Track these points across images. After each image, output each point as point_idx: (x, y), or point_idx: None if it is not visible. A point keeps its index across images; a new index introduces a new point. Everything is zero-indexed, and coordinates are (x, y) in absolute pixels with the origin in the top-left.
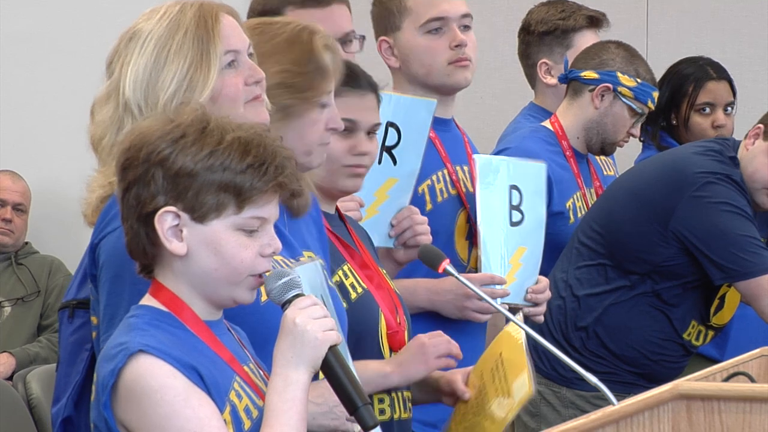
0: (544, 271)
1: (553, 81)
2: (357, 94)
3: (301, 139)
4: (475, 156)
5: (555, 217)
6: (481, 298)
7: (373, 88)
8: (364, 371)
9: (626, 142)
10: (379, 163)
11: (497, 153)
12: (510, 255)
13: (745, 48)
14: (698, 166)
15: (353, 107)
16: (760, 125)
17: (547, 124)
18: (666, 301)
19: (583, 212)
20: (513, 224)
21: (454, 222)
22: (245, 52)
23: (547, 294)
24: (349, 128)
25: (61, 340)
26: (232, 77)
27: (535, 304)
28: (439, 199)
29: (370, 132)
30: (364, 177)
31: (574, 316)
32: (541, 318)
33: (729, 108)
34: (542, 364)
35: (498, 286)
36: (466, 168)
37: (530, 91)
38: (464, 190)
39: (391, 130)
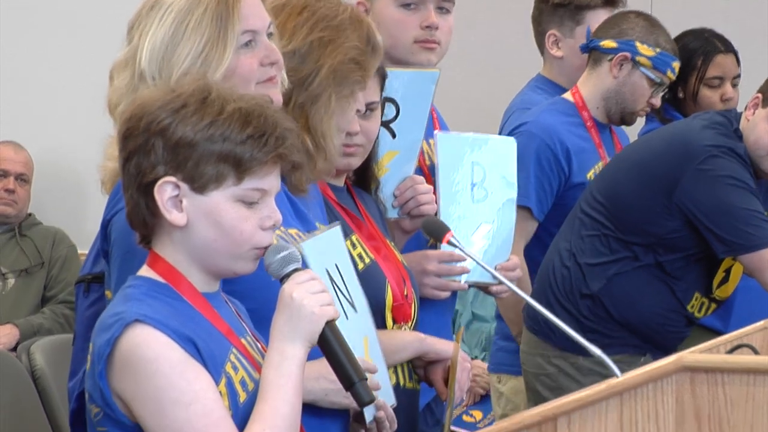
0: None
1: (560, 53)
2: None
3: (344, 117)
4: (436, 132)
5: (576, 188)
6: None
7: (380, 70)
8: (402, 337)
9: (646, 111)
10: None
11: (514, 129)
12: (472, 232)
13: (749, 19)
14: (704, 139)
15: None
16: (759, 94)
17: (567, 95)
18: (669, 273)
19: None
20: (476, 201)
21: None
22: (264, 32)
23: (518, 272)
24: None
25: (77, 314)
26: (247, 57)
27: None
28: None
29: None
30: (358, 156)
31: (579, 284)
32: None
33: (736, 81)
34: (554, 336)
35: (458, 264)
36: (432, 141)
37: (537, 66)
38: (428, 163)
39: (387, 104)
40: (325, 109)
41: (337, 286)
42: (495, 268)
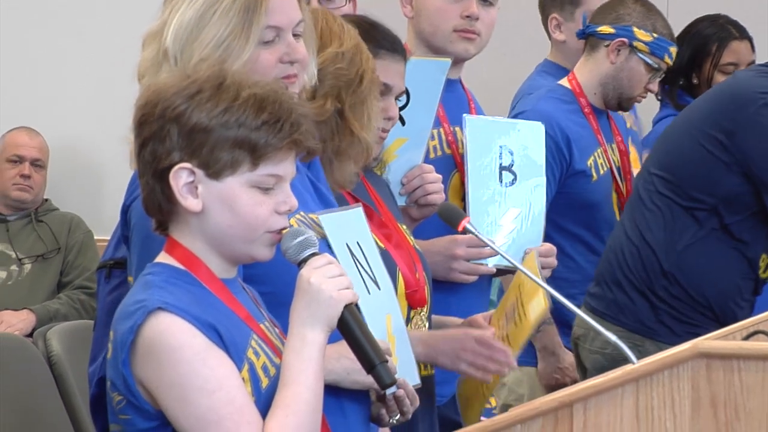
0: (570, 231)
1: (562, 36)
2: (395, 60)
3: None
4: (465, 116)
5: (577, 175)
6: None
7: (405, 56)
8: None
9: (644, 97)
10: None
11: (513, 117)
12: (501, 216)
13: (764, 5)
14: (756, 86)
15: (391, 72)
16: None
17: (564, 82)
18: (737, 237)
19: (606, 169)
20: (504, 185)
21: (447, 182)
22: (290, 30)
23: (552, 261)
24: (383, 92)
25: (99, 300)
26: (268, 53)
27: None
28: (432, 155)
29: (397, 98)
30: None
31: (650, 261)
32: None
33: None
34: (624, 315)
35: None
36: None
37: (549, 50)
38: (460, 151)
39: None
40: (372, 109)
41: (359, 263)
42: (525, 252)
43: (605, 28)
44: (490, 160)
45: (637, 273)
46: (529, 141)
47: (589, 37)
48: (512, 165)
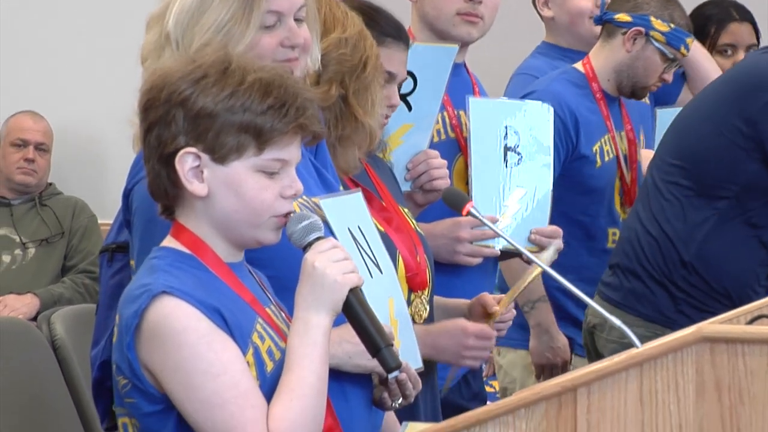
0: (574, 218)
1: (550, 13)
2: (399, 48)
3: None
4: (468, 97)
5: (581, 160)
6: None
7: (408, 43)
8: None
9: (658, 87)
10: None
11: (522, 96)
12: (506, 197)
13: None
14: None
15: (395, 60)
16: None
17: (578, 65)
18: (757, 225)
19: (611, 156)
20: (509, 166)
21: (451, 166)
22: (291, 14)
23: (558, 242)
24: (386, 80)
25: (101, 284)
26: (268, 37)
27: (541, 248)
28: (436, 139)
29: (399, 85)
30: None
31: (669, 251)
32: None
33: (751, 50)
34: (641, 306)
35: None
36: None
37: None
38: (464, 135)
39: (407, 78)
40: (375, 96)
41: (361, 247)
42: (531, 233)
43: (622, 16)
44: (494, 141)
45: (656, 264)
46: (535, 121)
47: (605, 24)
48: (518, 145)
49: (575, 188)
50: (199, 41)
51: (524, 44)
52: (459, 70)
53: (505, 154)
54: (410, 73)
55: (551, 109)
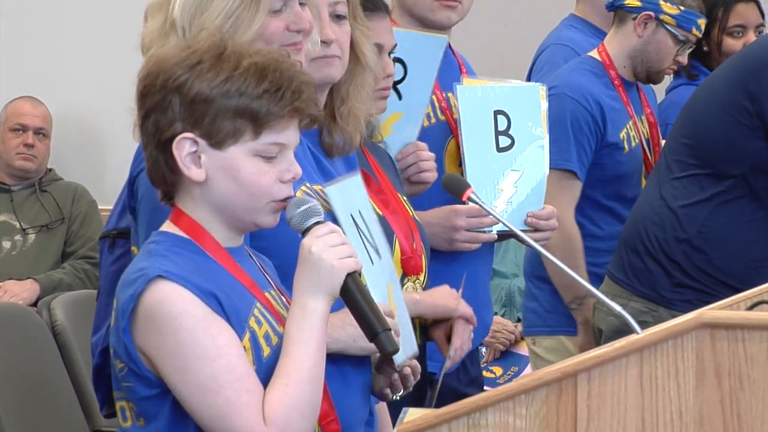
0: (600, 203)
1: None
2: (379, 17)
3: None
4: (456, 85)
5: (610, 148)
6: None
7: (387, 10)
8: None
9: (673, 70)
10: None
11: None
12: (500, 181)
13: None
14: None
15: (379, 30)
16: None
17: (594, 53)
18: (763, 203)
19: (636, 141)
20: (501, 150)
21: (443, 149)
22: None
23: (553, 222)
24: (376, 52)
25: (102, 270)
26: (276, 21)
27: (537, 230)
28: (426, 123)
29: (390, 53)
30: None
31: (673, 229)
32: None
33: (761, 30)
34: (639, 283)
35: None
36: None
37: (556, 18)
38: (455, 116)
39: (396, 65)
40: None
41: (362, 232)
42: (527, 216)
43: (632, 1)
44: (485, 126)
45: (656, 240)
46: (525, 103)
47: (617, 10)
48: (509, 128)
49: (606, 176)
50: (209, 28)
51: (525, 32)
52: (445, 51)
53: (497, 139)
54: (400, 60)
55: (543, 88)
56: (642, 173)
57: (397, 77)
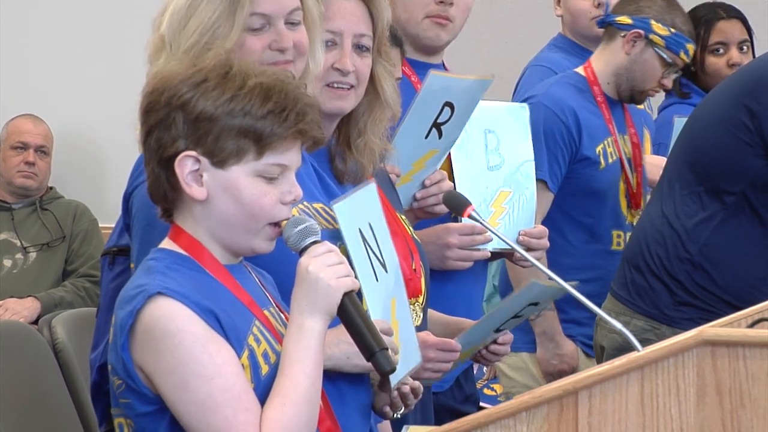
0: (578, 219)
1: (559, 11)
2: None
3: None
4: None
5: (584, 162)
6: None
7: (400, 43)
8: None
9: (657, 92)
10: (426, 137)
11: (523, 100)
12: (491, 200)
13: None
14: None
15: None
16: None
17: (580, 69)
18: (764, 221)
19: (615, 158)
20: (491, 168)
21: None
22: (281, 18)
23: (544, 242)
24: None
25: (102, 287)
26: (254, 39)
27: (529, 249)
28: None
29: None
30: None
31: (675, 247)
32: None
33: (744, 46)
34: (642, 301)
35: (480, 235)
36: None
37: (554, 35)
38: None
39: (445, 108)
40: None
41: (370, 247)
42: (519, 234)
43: (623, 19)
44: (475, 144)
45: (659, 258)
46: (513, 123)
47: (607, 26)
48: (498, 147)
49: (579, 190)
50: (185, 44)
51: (526, 51)
52: (438, 69)
53: (488, 159)
54: (450, 105)
55: (527, 107)
56: (620, 191)
57: (444, 119)
